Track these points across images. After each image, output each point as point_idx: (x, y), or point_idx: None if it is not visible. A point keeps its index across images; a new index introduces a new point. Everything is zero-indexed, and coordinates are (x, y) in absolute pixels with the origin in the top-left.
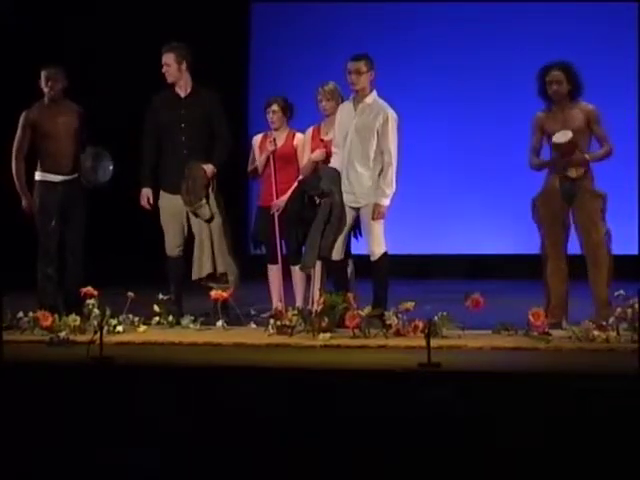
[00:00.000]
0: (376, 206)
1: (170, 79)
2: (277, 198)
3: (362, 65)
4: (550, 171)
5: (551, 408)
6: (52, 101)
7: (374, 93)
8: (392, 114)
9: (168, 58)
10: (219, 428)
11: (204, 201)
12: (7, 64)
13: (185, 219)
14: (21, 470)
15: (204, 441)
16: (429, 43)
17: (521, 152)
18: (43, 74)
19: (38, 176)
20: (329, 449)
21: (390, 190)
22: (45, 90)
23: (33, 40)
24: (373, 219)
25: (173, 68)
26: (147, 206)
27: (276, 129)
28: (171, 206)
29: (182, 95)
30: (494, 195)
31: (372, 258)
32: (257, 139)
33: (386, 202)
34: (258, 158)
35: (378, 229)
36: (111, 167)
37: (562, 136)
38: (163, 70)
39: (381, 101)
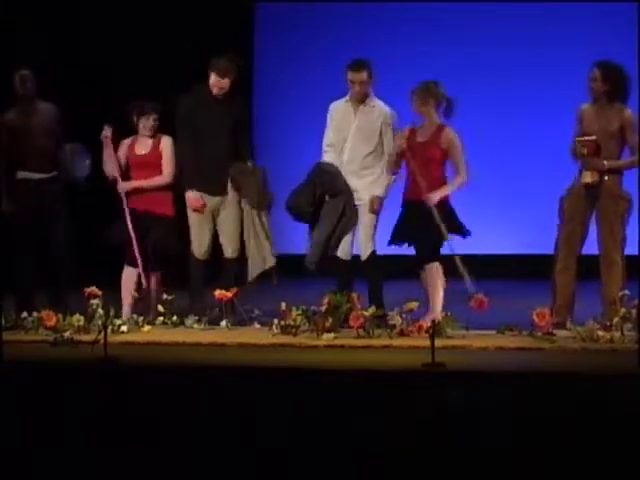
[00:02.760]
0: (375, 198)
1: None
2: None
3: (365, 75)
4: (579, 170)
5: (555, 408)
6: (27, 101)
7: (372, 93)
8: (392, 113)
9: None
10: (222, 428)
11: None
12: None
13: (213, 222)
14: (25, 470)
15: (207, 441)
16: (435, 42)
17: (527, 152)
18: (19, 76)
19: (18, 175)
20: (332, 449)
21: (386, 181)
22: (20, 91)
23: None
24: (371, 211)
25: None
26: (201, 208)
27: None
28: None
29: (217, 97)
30: (499, 195)
31: (362, 257)
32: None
33: (384, 193)
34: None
35: (372, 227)
36: (88, 162)
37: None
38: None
39: (379, 101)
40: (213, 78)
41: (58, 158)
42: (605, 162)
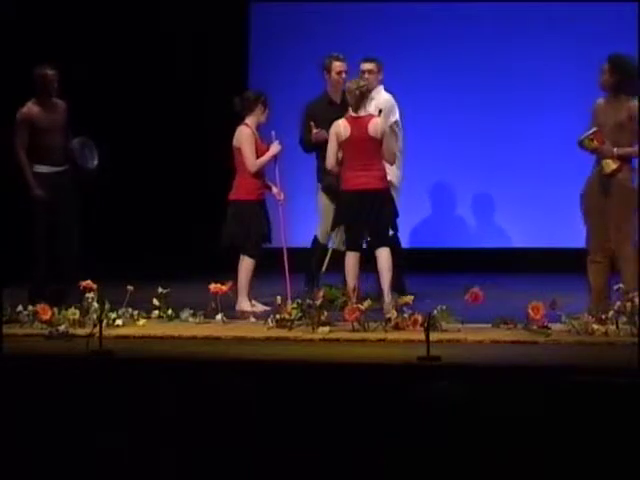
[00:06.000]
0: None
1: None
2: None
3: (374, 66)
4: (594, 164)
5: (550, 401)
6: (49, 99)
7: (380, 88)
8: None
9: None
10: (218, 422)
11: None
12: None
13: None
14: (21, 463)
15: (203, 435)
16: (434, 38)
17: (529, 145)
18: (50, 74)
19: (34, 169)
20: (328, 443)
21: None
22: (47, 89)
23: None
24: None
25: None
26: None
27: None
28: (328, 201)
29: (337, 101)
30: (496, 189)
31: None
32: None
33: None
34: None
35: None
36: (96, 154)
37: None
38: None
39: (385, 95)
40: (336, 65)
41: (68, 151)
42: (615, 149)
